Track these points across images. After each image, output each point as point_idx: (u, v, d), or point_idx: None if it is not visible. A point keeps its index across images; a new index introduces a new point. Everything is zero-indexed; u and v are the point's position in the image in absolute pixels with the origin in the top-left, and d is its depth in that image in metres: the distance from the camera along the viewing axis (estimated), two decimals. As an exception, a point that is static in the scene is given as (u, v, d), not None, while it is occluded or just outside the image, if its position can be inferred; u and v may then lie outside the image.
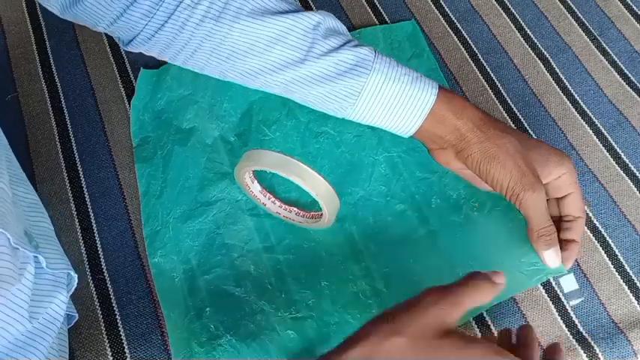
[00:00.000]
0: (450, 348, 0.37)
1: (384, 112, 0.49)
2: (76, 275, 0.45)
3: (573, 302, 0.52)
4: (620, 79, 0.66)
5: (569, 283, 0.52)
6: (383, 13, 0.69)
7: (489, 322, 0.52)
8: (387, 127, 0.51)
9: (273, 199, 0.53)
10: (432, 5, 0.70)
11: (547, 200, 0.50)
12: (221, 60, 0.49)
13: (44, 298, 0.42)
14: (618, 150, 0.61)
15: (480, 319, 0.52)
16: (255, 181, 0.52)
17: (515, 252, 0.54)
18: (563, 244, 0.50)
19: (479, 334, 0.52)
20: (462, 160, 0.50)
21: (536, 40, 0.69)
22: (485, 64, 0.66)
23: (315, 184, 0.46)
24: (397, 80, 0.48)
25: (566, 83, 0.66)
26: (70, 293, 0.45)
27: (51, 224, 0.49)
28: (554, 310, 0.53)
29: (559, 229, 0.50)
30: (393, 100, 0.49)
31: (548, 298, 0.53)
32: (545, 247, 0.48)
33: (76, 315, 0.48)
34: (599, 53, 0.68)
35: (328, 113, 0.52)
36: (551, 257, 0.48)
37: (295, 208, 0.54)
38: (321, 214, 0.50)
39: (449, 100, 0.49)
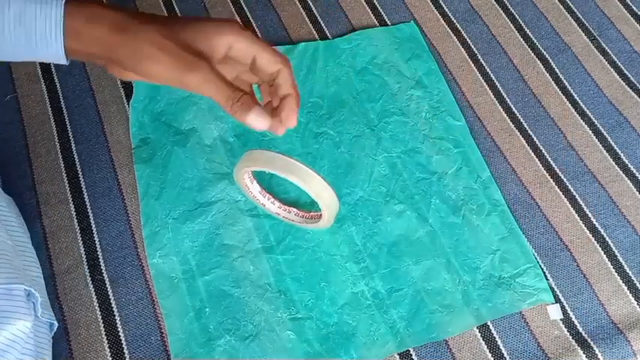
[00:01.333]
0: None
1: (13, 40, 0.41)
2: (56, 324, 0.49)
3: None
4: (620, 79, 0.66)
5: (555, 313, 0.52)
6: (383, 13, 0.69)
7: (493, 331, 0.52)
8: (34, 58, 0.43)
9: (272, 199, 0.53)
10: (432, 6, 0.70)
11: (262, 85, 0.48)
12: None
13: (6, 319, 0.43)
14: (618, 150, 0.61)
15: (484, 328, 0.52)
16: (255, 182, 0.52)
17: (510, 267, 0.54)
18: (279, 102, 0.45)
19: (485, 346, 0.52)
20: (128, 69, 0.43)
21: (535, 41, 0.68)
22: (484, 65, 0.66)
23: (314, 184, 0.46)
24: (13, 2, 0.40)
25: (566, 83, 0.66)
26: (52, 335, 0.49)
27: (39, 266, 0.51)
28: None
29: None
30: (16, 24, 0.41)
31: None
32: (243, 114, 0.42)
33: (56, 323, 0.49)
34: (598, 53, 0.68)
35: None
36: (255, 120, 0.42)
37: (294, 209, 0.54)
38: (321, 215, 0.50)
39: (79, 9, 0.41)
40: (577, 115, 0.63)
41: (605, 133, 0.62)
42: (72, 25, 0.41)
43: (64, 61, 0.43)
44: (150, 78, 0.42)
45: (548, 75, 0.66)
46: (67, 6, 0.41)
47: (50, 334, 0.48)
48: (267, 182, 0.55)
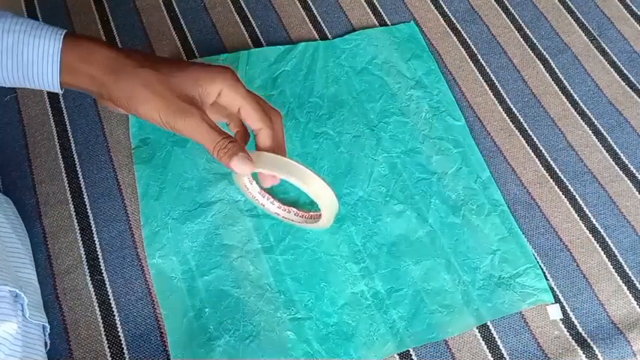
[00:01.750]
0: None
1: (9, 68, 0.43)
2: (48, 326, 0.49)
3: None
4: (620, 79, 0.66)
5: (554, 313, 0.52)
6: (382, 13, 0.69)
7: (493, 331, 0.52)
8: (28, 86, 0.45)
9: (271, 199, 0.53)
10: (432, 6, 0.70)
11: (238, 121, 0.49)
12: None
13: None
14: (617, 150, 0.61)
15: (484, 329, 0.52)
16: (254, 183, 0.52)
17: (510, 268, 0.54)
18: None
19: (484, 346, 0.52)
20: (120, 107, 0.44)
21: (535, 41, 0.68)
22: (484, 65, 0.66)
23: (313, 185, 0.46)
24: (9, 31, 0.42)
25: (566, 84, 0.66)
26: (46, 339, 0.49)
27: (33, 267, 0.51)
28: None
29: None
30: (12, 53, 0.42)
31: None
32: (228, 159, 0.43)
33: (48, 325, 0.49)
34: (598, 54, 0.68)
35: None
36: (238, 165, 0.43)
37: (294, 209, 0.53)
38: (320, 215, 0.50)
39: (75, 46, 0.43)
40: (577, 115, 0.63)
41: (605, 133, 0.62)
42: (67, 61, 0.42)
43: (58, 91, 0.44)
44: (140, 117, 0.43)
45: (548, 75, 0.66)
46: (64, 41, 0.42)
47: (43, 337, 0.48)
48: None
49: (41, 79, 0.43)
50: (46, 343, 0.48)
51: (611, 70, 0.67)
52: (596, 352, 0.51)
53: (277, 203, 0.53)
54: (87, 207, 0.56)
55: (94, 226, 0.55)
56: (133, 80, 0.42)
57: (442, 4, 0.71)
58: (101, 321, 0.51)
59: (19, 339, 0.44)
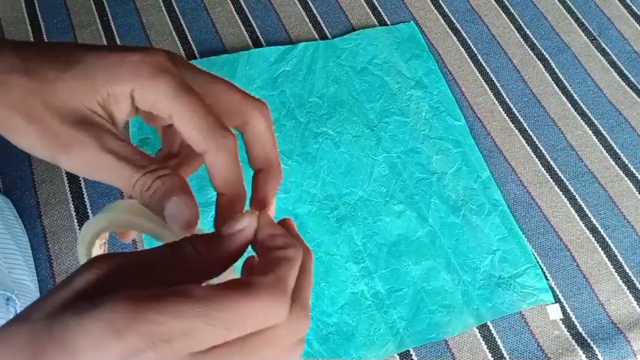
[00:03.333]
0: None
1: None
2: None
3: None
4: (620, 79, 0.66)
5: (554, 313, 0.52)
6: (382, 13, 0.69)
7: (493, 331, 0.52)
8: None
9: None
10: (432, 6, 0.70)
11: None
12: None
13: None
14: (617, 150, 0.61)
15: (484, 328, 0.52)
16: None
17: (510, 268, 0.54)
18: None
19: (484, 346, 0.52)
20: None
21: (535, 41, 0.68)
22: (484, 65, 0.66)
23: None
24: None
25: (566, 83, 0.66)
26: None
27: (30, 268, 0.50)
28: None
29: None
30: None
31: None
32: (158, 205, 0.28)
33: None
34: (598, 53, 0.68)
35: None
36: (173, 213, 0.27)
37: None
38: None
39: None
40: (577, 115, 0.63)
41: (605, 133, 0.62)
42: None
43: None
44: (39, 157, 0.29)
45: (548, 75, 0.66)
46: None
47: None
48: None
49: None
50: None
51: (611, 70, 0.67)
52: (596, 351, 0.51)
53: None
54: (87, 207, 0.56)
55: (94, 226, 0.55)
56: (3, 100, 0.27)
57: (442, 4, 0.71)
58: (101, 321, 0.51)
59: None
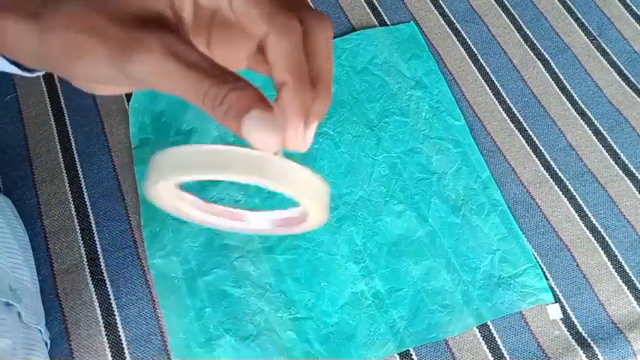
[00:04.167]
0: None
1: None
2: (48, 332, 0.48)
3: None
4: (620, 79, 0.66)
5: (554, 312, 0.52)
6: (382, 13, 0.69)
7: (493, 331, 0.52)
8: None
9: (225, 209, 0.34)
10: (432, 6, 0.70)
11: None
12: None
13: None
14: (617, 150, 0.61)
15: (484, 328, 0.52)
16: (186, 194, 0.32)
17: (510, 267, 0.54)
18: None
19: (484, 346, 0.52)
20: (71, 78, 0.27)
21: (535, 41, 0.69)
22: (484, 65, 0.66)
23: (285, 178, 0.25)
24: None
25: (566, 83, 0.66)
26: (45, 340, 0.48)
27: (31, 268, 0.50)
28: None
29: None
30: None
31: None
32: (234, 122, 0.25)
33: (45, 328, 0.49)
34: (598, 54, 0.68)
35: None
36: (252, 131, 0.24)
37: (249, 213, 0.34)
38: (291, 217, 0.32)
39: None
40: (577, 115, 0.64)
41: (604, 133, 0.62)
42: None
43: (23, 73, 0.30)
44: (102, 83, 0.27)
45: (547, 75, 0.66)
46: None
47: (42, 338, 0.48)
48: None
49: None
50: (46, 343, 0.49)
51: (611, 70, 0.67)
52: (596, 351, 0.51)
53: (218, 207, 0.35)
54: (87, 207, 0.56)
55: (94, 226, 0.55)
56: (56, 25, 0.25)
57: (442, 4, 0.71)
58: (102, 320, 0.51)
59: (20, 345, 0.44)
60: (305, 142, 0.26)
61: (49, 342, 0.49)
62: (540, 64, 0.67)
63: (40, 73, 0.30)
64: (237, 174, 0.25)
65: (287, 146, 0.25)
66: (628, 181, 0.60)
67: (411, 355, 0.51)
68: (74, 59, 0.25)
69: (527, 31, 0.69)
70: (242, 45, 0.29)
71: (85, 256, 0.53)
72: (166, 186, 0.28)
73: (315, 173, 0.26)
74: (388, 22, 0.69)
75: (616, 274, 0.55)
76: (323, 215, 0.29)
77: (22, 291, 0.46)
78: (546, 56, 0.67)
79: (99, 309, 0.51)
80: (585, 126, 0.63)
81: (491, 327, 0.52)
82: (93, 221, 0.55)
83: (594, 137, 0.62)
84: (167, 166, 0.26)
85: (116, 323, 0.51)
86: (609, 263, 0.55)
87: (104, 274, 0.53)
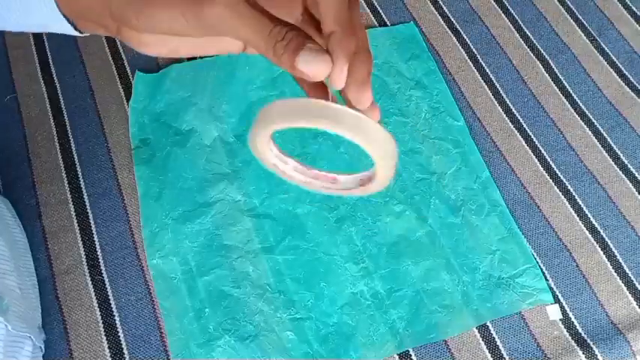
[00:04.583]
0: None
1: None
2: (43, 335, 0.49)
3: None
4: (619, 79, 0.66)
5: (554, 313, 0.52)
6: (382, 14, 0.69)
7: (493, 331, 0.52)
8: (33, 23, 0.33)
9: (301, 166, 0.39)
10: (432, 6, 0.70)
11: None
12: None
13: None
14: (617, 151, 0.61)
15: (484, 329, 0.52)
16: (274, 145, 0.37)
17: (509, 268, 0.54)
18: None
19: (484, 347, 0.52)
20: (135, 27, 0.30)
21: (535, 41, 0.69)
22: (484, 65, 0.66)
23: (368, 131, 0.31)
24: None
25: (565, 84, 0.66)
26: (40, 345, 0.47)
27: (20, 275, 0.49)
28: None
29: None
30: None
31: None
32: (291, 56, 0.28)
33: (42, 336, 0.49)
34: (598, 54, 0.68)
35: None
36: (309, 62, 0.28)
37: (339, 176, 0.39)
38: (370, 177, 0.37)
39: None
40: (576, 116, 0.63)
41: (604, 134, 0.62)
42: None
43: (67, 27, 0.32)
44: (163, 32, 0.30)
45: (547, 75, 0.66)
46: None
47: (32, 346, 0.46)
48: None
49: (36, 8, 0.31)
50: (40, 348, 0.48)
51: (611, 70, 0.67)
52: (596, 352, 0.51)
53: (314, 171, 0.40)
54: (87, 207, 0.56)
55: (94, 226, 0.55)
56: None
57: (442, 4, 0.71)
58: (101, 321, 0.51)
59: (2, 355, 0.43)
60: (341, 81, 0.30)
61: (43, 346, 0.49)
62: (540, 65, 0.67)
63: (87, 34, 0.32)
64: (342, 129, 0.31)
65: (332, 82, 0.30)
66: (628, 181, 0.60)
67: (410, 355, 0.51)
68: (146, 8, 0.28)
69: (527, 32, 0.69)
70: (290, 9, 0.33)
71: (84, 257, 0.53)
72: (269, 143, 0.33)
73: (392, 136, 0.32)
74: (388, 23, 0.69)
75: (615, 274, 0.55)
76: (391, 172, 0.35)
77: (9, 299, 0.45)
78: (546, 56, 0.67)
79: (98, 309, 0.51)
80: (585, 126, 0.63)
81: (490, 327, 0.52)
82: (92, 221, 0.55)
83: (594, 137, 0.62)
84: (268, 117, 0.31)
85: (115, 324, 0.51)
86: (609, 264, 0.55)
87: (103, 275, 0.53)
